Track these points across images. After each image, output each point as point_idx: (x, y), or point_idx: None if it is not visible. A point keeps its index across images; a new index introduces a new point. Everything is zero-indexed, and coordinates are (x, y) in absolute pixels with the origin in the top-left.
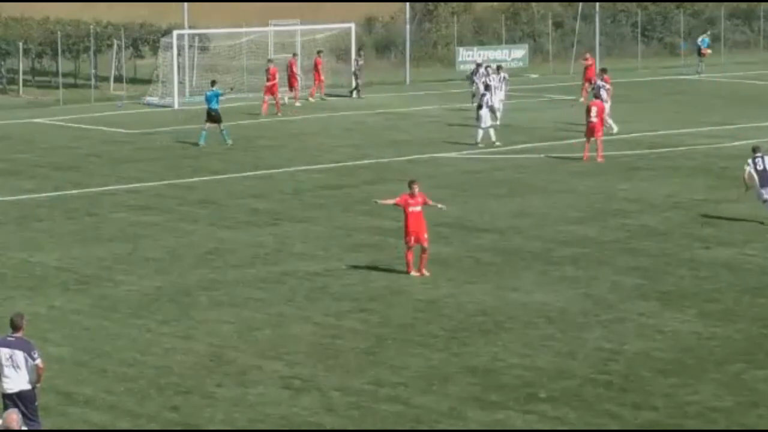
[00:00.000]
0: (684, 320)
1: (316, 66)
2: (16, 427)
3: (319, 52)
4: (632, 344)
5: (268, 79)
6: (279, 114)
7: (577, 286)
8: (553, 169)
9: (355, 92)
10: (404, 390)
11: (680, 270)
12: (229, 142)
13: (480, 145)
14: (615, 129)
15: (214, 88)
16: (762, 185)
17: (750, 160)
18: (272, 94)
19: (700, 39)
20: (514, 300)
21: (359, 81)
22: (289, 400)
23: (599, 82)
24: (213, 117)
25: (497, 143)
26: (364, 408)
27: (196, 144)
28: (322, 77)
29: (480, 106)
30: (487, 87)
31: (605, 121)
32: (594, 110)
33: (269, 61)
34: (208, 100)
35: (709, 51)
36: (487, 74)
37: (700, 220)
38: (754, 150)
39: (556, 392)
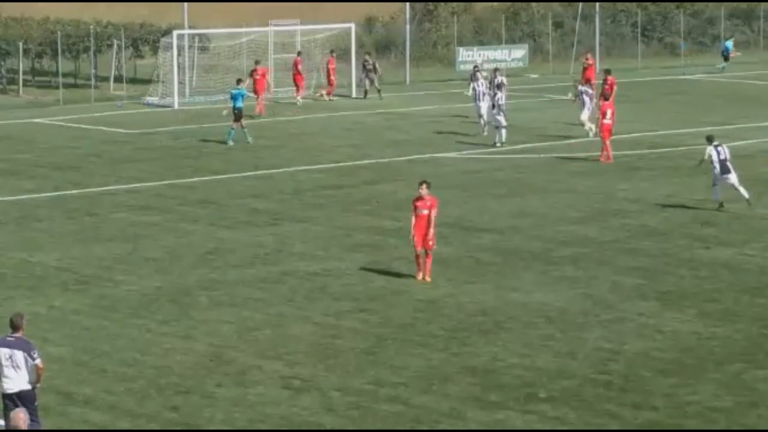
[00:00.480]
0: (684, 320)
1: (328, 66)
2: (24, 427)
3: (331, 52)
4: (632, 344)
5: (255, 81)
6: (263, 114)
7: (577, 286)
8: (553, 169)
9: (365, 93)
10: (404, 390)
11: (680, 270)
12: (231, 143)
13: (505, 145)
14: (591, 133)
15: (240, 87)
16: (722, 173)
17: (711, 148)
18: (256, 93)
19: (727, 43)
20: (514, 300)
21: (374, 81)
22: (289, 400)
23: (581, 87)
24: (236, 115)
25: (498, 144)
26: (364, 408)
27: (247, 142)
28: (334, 78)
29: (493, 106)
30: (499, 86)
31: (584, 123)
32: (609, 112)
33: (257, 62)
34: (234, 98)
35: (738, 53)
36: (477, 78)
37: (700, 219)
38: (710, 139)
39: (556, 392)
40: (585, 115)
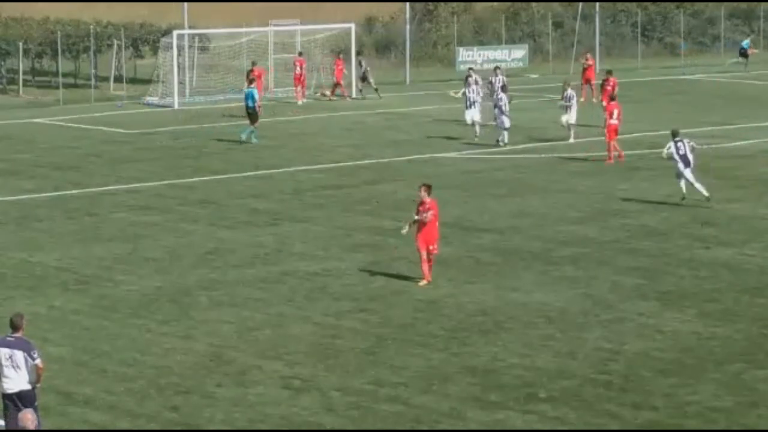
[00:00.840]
0: (684, 320)
1: (336, 67)
2: (32, 427)
3: (339, 53)
4: (632, 344)
5: (252, 81)
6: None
7: (577, 286)
8: (553, 169)
9: (360, 93)
10: (404, 390)
11: (680, 270)
12: (243, 137)
13: (507, 145)
14: (571, 140)
15: (252, 86)
16: (685, 166)
17: (672, 144)
18: None
19: (744, 42)
20: (513, 300)
21: (370, 81)
22: (288, 400)
23: (569, 91)
24: (249, 114)
25: (501, 144)
26: (364, 408)
27: (241, 142)
28: (341, 79)
29: (495, 106)
30: (503, 88)
31: (569, 128)
32: (615, 112)
33: (253, 63)
34: (247, 97)
35: (755, 51)
36: (469, 84)
37: (700, 219)
38: (674, 134)
39: (555, 392)
40: (573, 118)
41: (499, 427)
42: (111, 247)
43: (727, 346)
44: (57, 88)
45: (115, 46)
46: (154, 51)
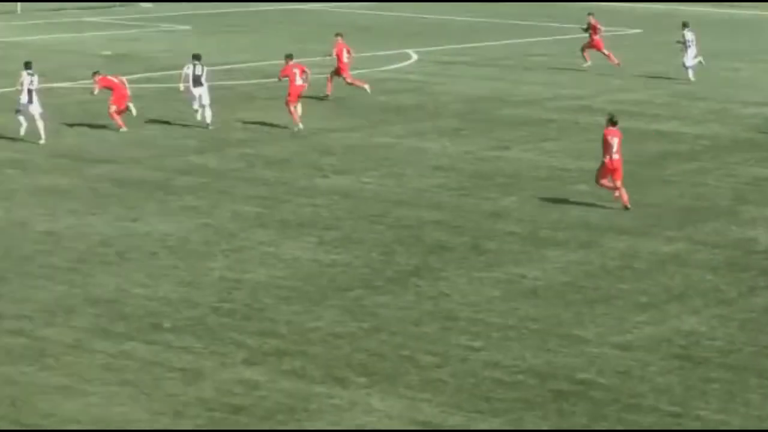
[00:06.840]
0: (304, 248)
1: None
2: None
3: None
4: (254, 272)
5: None
6: None
7: (197, 216)
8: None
9: None
10: (28, 322)
11: (299, 198)
12: None
13: None
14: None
15: None
16: (195, 85)
17: (189, 66)
18: None
19: None
20: (135, 230)
21: None
22: None
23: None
24: None
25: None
26: None
27: None
28: None
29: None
30: None
31: None
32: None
33: None
34: None
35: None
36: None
37: (318, 148)
38: (196, 57)
39: (180, 322)
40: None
41: (125, 358)
42: None
43: (347, 272)
44: None
45: None
46: None
